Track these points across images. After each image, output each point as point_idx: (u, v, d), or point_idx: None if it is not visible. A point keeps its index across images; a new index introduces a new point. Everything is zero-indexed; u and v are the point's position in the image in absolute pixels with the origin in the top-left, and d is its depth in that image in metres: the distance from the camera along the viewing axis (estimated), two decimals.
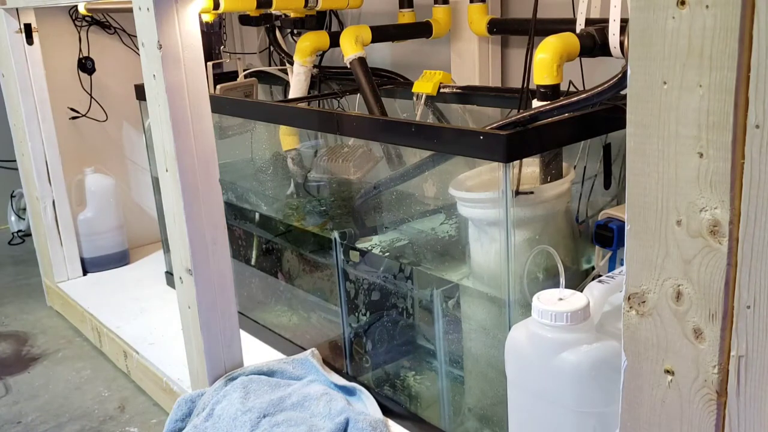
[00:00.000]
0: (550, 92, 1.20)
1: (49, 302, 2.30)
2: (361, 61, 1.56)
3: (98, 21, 2.31)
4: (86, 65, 2.28)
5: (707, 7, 0.49)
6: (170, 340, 1.76)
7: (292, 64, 1.78)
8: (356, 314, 1.51)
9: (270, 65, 2.13)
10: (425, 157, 1.29)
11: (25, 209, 2.72)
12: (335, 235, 1.50)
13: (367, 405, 1.39)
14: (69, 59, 2.27)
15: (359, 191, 1.51)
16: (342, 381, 1.47)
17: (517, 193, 1.10)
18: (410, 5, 1.79)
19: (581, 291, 0.98)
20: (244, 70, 2.05)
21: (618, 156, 1.27)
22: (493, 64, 1.75)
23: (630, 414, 0.62)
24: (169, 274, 2.13)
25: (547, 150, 1.19)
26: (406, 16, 1.79)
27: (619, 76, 1.09)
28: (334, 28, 2.01)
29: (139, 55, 1.33)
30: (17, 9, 2.03)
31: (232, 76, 2.04)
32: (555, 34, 1.22)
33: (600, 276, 1.02)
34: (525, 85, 1.26)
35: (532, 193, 1.14)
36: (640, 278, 0.58)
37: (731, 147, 0.50)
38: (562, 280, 1.04)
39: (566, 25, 1.34)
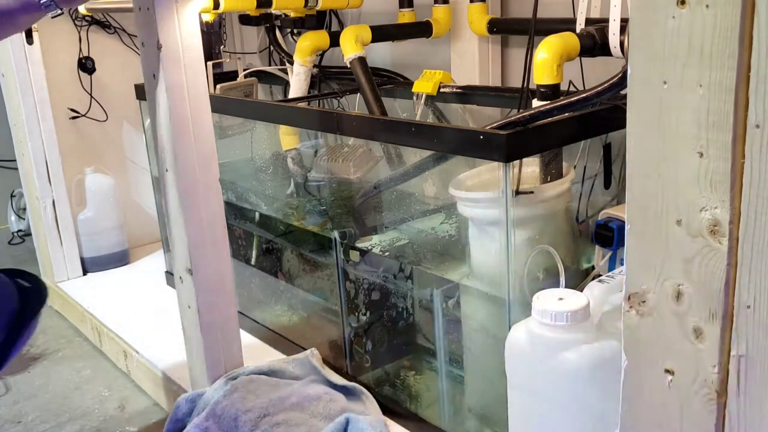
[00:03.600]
0: (550, 92, 1.20)
1: (49, 302, 2.29)
2: (361, 60, 1.56)
3: (98, 21, 2.30)
4: (86, 65, 2.27)
5: (707, 6, 0.49)
6: (170, 340, 1.76)
7: (292, 63, 1.78)
8: (356, 314, 1.51)
9: (270, 65, 2.13)
10: (425, 157, 1.29)
11: (25, 209, 2.72)
12: (335, 234, 1.50)
13: (367, 405, 1.39)
14: (69, 59, 2.27)
15: (359, 191, 1.51)
16: (342, 381, 1.47)
17: (517, 192, 1.10)
18: (410, 5, 1.79)
19: (581, 291, 0.98)
20: (244, 70, 2.05)
21: (618, 156, 1.27)
22: (493, 63, 1.75)
23: (630, 414, 0.62)
24: (169, 274, 2.13)
25: (547, 150, 1.19)
26: (406, 16, 1.79)
27: (619, 75, 1.09)
28: (334, 27, 2.01)
29: (139, 55, 1.33)
30: None
31: (232, 75, 2.04)
32: (555, 34, 1.22)
33: (600, 276, 1.02)
34: (525, 84, 1.26)
35: (532, 192, 1.14)
36: (640, 278, 0.58)
37: (731, 147, 0.50)
38: (562, 280, 1.04)
39: (566, 24, 1.34)
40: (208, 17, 1.99)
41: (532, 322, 0.96)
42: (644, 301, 0.58)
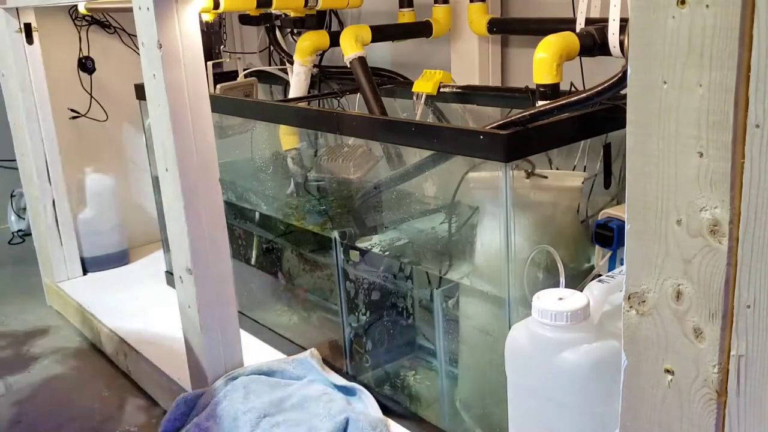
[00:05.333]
0: (550, 91, 1.20)
1: (49, 302, 2.30)
2: (361, 60, 1.56)
3: (98, 21, 2.30)
4: (86, 65, 2.27)
5: (707, 6, 0.49)
6: (170, 340, 1.76)
7: (292, 63, 1.78)
8: (356, 314, 1.51)
9: (270, 65, 2.13)
10: (425, 157, 1.28)
11: (25, 209, 2.72)
12: (335, 234, 1.50)
13: (367, 405, 1.39)
14: (69, 59, 2.27)
15: (359, 191, 1.50)
16: (342, 381, 1.47)
17: (532, 174, 1.09)
18: (410, 5, 1.79)
19: (581, 291, 0.98)
20: (244, 70, 2.04)
21: (618, 156, 1.27)
22: (492, 63, 1.75)
23: (630, 413, 0.62)
24: (169, 274, 2.13)
25: (548, 149, 1.19)
26: (406, 16, 1.79)
27: (619, 75, 1.09)
28: (334, 27, 2.01)
29: (139, 54, 1.33)
30: (17, 8, 2.02)
31: (232, 75, 2.04)
32: (554, 34, 1.22)
33: (600, 276, 1.02)
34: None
35: (546, 177, 1.13)
36: (640, 278, 0.58)
37: (731, 146, 0.50)
38: (562, 280, 1.04)
39: (566, 24, 1.34)
40: (208, 17, 1.99)
41: (532, 322, 0.96)
42: (644, 301, 0.58)
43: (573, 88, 1.33)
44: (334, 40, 1.69)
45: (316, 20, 1.86)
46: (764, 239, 0.50)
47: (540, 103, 1.19)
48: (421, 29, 1.74)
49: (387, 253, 1.43)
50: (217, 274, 1.42)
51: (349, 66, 1.58)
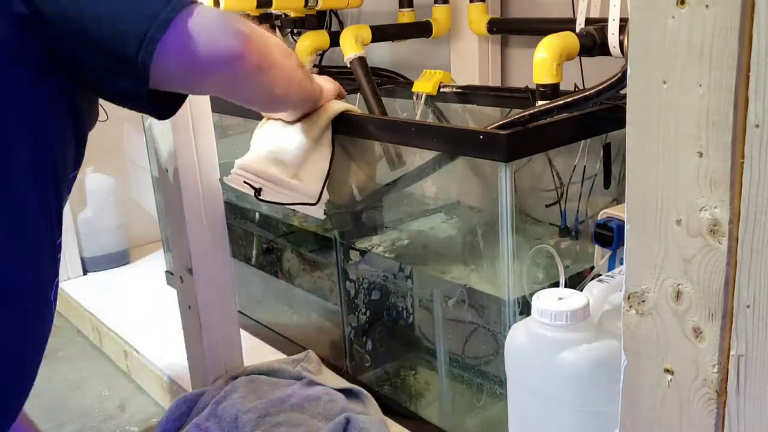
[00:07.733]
0: (550, 91, 1.20)
1: None
2: (361, 60, 1.56)
3: None
4: None
5: (707, 6, 0.49)
6: (170, 340, 1.76)
7: None
8: (356, 314, 1.51)
9: None
10: (428, 161, 1.28)
11: None
12: (335, 234, 1.50)
13: (367, 405, 1.39)
14: None
15: (360, 191, 1.50)
16: (340, 384, 1.47)
17: None
18: (410, 5, 1.79)
19: (581, 290, 0.98)
20: None
21: (618, 156, 1.27)
22: (493, 63, 1.75)
23: (630, 413, 0.62)
24: (169, 274, 2.13)
25: (548, 149, 1.19)
26: (405, 16, 1.79)
27: (619, 75, 1.09)
28: (334, 27, 2.01)
29: None
30: None
31: None
32: (554, 33, 1.22)
33: (600, 275, 1.02)
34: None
35: None
36: (639, 277, 0.58)
37: (731, 146, 0.50)
38: (562, 280, 1.04)
39: (566, 24, 1.34)
40: None
41: (531, 322, 0.96)
42: (644, 301, 0.58)
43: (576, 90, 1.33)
44: (334, 40, 1.69)
45: (316, 20, 1.86)
46: (764, 239, 0.50)
47: (540, 103, 1.19)
48: (421, 29, 1.74)
49: (391, 255, 1.43)
50: (217, 274, 1.42)
51: (349, 66, 1.58)
